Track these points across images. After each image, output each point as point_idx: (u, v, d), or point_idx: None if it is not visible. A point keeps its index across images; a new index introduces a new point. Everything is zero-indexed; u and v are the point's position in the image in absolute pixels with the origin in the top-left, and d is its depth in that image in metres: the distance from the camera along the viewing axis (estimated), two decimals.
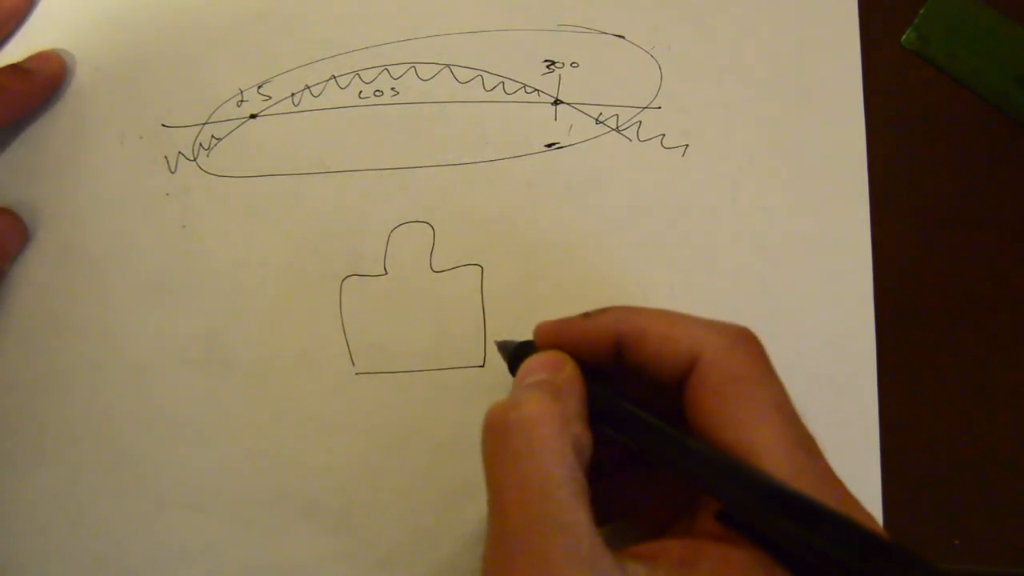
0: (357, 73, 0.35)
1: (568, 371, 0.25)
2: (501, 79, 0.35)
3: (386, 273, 0.34)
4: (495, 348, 0.31)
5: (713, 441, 0.23)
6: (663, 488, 0.27)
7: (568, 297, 0.33)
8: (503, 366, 0.30)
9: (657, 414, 0.24)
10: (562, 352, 0.26)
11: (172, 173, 0.35)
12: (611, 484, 0.27)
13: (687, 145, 0.34)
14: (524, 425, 0.22)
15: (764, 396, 0.23)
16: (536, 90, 0.35)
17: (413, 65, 0.35)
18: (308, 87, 0.36)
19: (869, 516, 0.22)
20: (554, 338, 0.26)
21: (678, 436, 0.23)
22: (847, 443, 0.32)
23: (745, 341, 0.24)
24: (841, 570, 0.19)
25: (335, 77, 0.36)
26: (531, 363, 0.26)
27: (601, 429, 0.24)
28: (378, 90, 0.35)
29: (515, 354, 0.28)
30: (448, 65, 0.35)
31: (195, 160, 0.35)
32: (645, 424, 0.24)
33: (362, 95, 0.35)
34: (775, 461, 0.22)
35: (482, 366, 0.33)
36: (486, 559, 0.22)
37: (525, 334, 0.28)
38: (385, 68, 0.35)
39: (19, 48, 0.37)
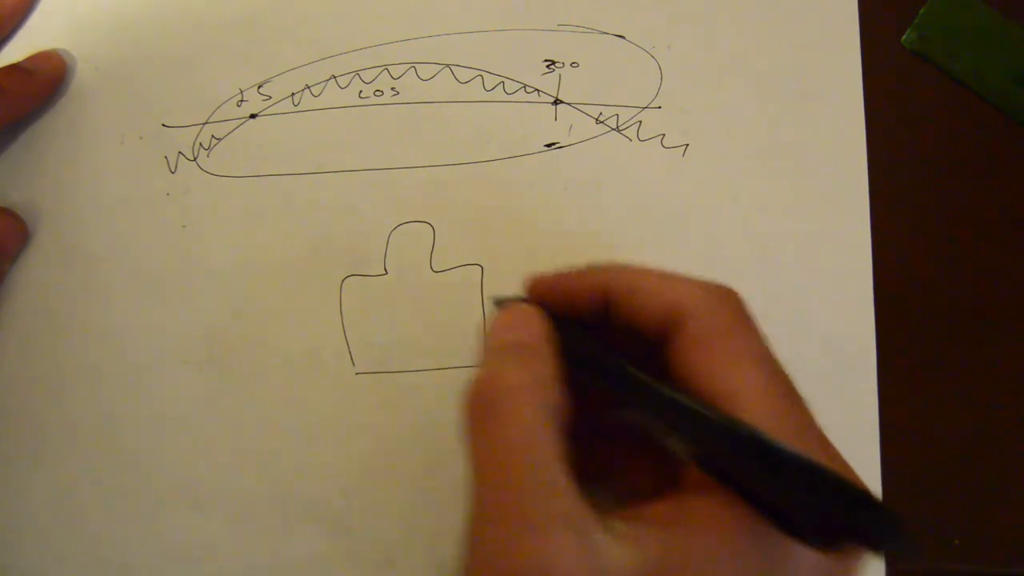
0: (357, 73, 0.36)
1: (536, 328, 0.25)
2: (501, 79, 0.35)
3: (386, 273, 0.34)
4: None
5: (696, 391, 0.23)
6: (650, 453, 0.27)
7: None
8: None
9: (640, 367, 0.24)
10: (533, 309, 0.26)
11: (172, 173, 0.35)
12: (597, 448, 0.27)
13: (687, 145, 0.34)
14: (499, 395, 0.23)
15: (746, 347, 0.24)
16: (536, 90, 0.35)
17: (413, 65, 0.35)
18: (308, 87, 0.36)
19: (847, 466, 0.23)
20: (546, 291, 0.27)
21: (653, 382, 0.23)
22: (847, 443, 0.32)
23: (729, 297, 0.25)
24: (808, 515, 0.19)
25: (335, 77, 0.36)
26: (501, 321, 0.26)
27: (580, 379, 0.25)
28: (378, 90, 0.35)
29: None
30: (448, 65, 0.35)
31: (195, 160, 0.35)
32: (621, 371, 0.24)
33: (362, 95, 0.35)
34: (753, 407, 0.22)
35: None
36: (469, 529, 0.22)
37: None
38: (385, 68, 0.35)
39: (19, 48, 0.37)
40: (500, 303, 0.29)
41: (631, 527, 0.21)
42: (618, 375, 0.24)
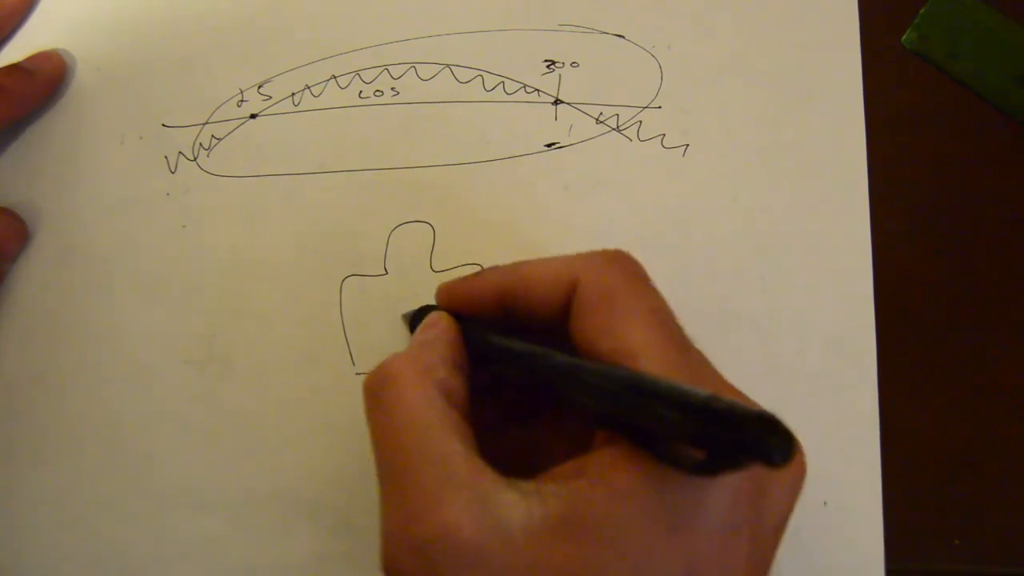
0: (357, 73, 0.36)
1: (441, 326, 0.27)
2: (501, 79, 0.35)
3: (386, 273, 0.34)
4: None
5: (593, 353, 0.23)
6: (569, 433, 0.27)
7: None
8: None
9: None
10: (441, 312, 0.28)
11: (172, 173, 0.35)
12: (520, 436, 0.28)
13: (687, 145, 0.34)
14: (389, 378, 0.24)
15: (637, 304, 0.24)
16: (536, 90, 0.35)
17: (413, 65, 0.35)
18: (308, 87, 0.36)
19: (747, 400, 0.23)
20: (446, 297, 0.28)
21: (544, 352, 0.24)
22: (847, 443, 0.32)
23: (618, 258, 0.25)
24: (696, 442, 0.19)
25: (335, 77, 0.36)
26: (417, 328, 0.28)
27: (486, 368, 0.26)
28: (378, 90, 0.35)
29: (415, 319, 0.30)
30: (448, 65, 0.35)
31: (195, 160, 0.35)
32: (512, 351, 0.25)
33: (362, 95, 0.35)
34: (650, 359, 0.22)
35: None
36: (381, 509, 0.23)
37: None
38: (385, 68, 0.35)
39: (19, 48, 0.37)
40: (406, 316, 0.32)
41: (536, 486, 0.22)
42: (511, 355, 0.25)
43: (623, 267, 0.25)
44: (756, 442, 0.17)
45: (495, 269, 0.27)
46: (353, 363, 0.34)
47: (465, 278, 0.28)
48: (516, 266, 0.27)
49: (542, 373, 0.24)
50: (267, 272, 0.34)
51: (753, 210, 0.34)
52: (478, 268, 0.34)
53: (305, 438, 0.33)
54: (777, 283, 0.33)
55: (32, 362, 0.35)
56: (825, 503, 0.32)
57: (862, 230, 0.33)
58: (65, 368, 0.35)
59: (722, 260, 0.33)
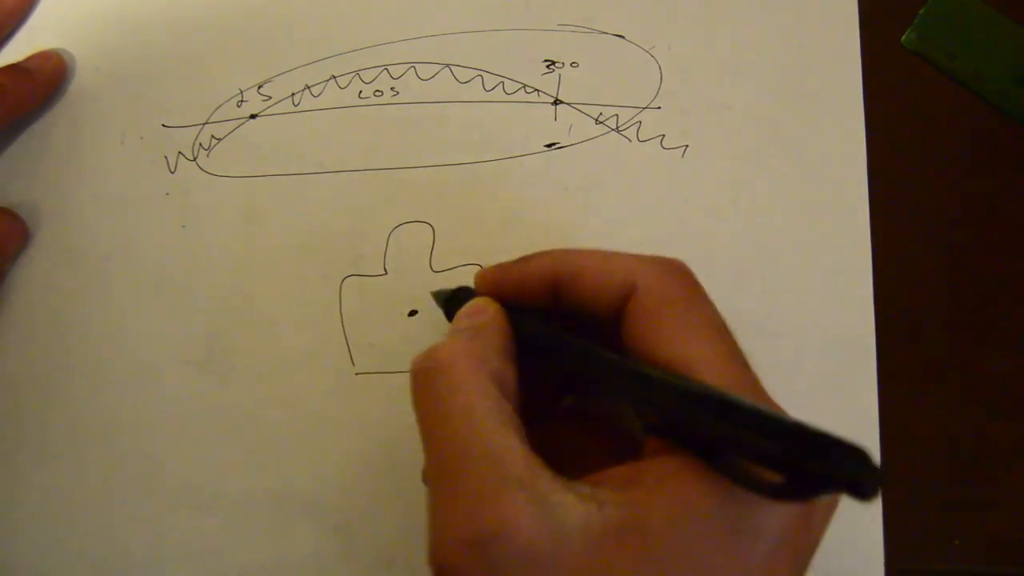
0: (357, 73, 0.36)
1: (490, 313, 0.26)
2: (501, 79, 0.35)
3: (386, 273, 0.34)
4: None
5: (650, 362, 0.23)
6: (613, 436, 0.27)
7: None
8: None
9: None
10: (487, 298, 0.27)
11: (172, 173, 0.35)
12: (563, 434, 0.27)
13: (687, 145, 0.34)
14: (442, 366, 0.23)
15: (698, 316, 0.24)
16: (536, 90, 0.35)
17: (413, 65, 0.35)
18: (308, 87, 0.36)
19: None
20: (492, 284, 0.27)
21: (603, 352, 0.23)
22: None
23: (678, 269, 0.25)
24: (767, 464, 0.19)
25: (335, 77, 0.36)
26: (459, 313, 0.27)
27: (537, 365, 0.25)
28: (378, 90, 0.35)
29: (449, 302, 0.29)
30: (448, 65, 0.35)
31: (195, 160, 0.35)
32: (571, 347, 0.24)
33: (362, 95, 0.35)
34: (712, 374, 0.22)
35: None
36: (429, 503, 0.22)
37: None
38: (385, 68, 0.35)
39: (19, 48, 0.37)
40: (439, 296, 0.30)
41: (592, 489, 0.21)
42: (569, 351, 0.24)
43: (683, 278, 0.25)
44: (847, 472, 0.17)
45: (546, 254, 0.27)
46: (353, 363, 0.34)
47: (514, 262, 0.27)
48: (569, 254, 0.26)
49: (597, 371, 0.23)
50: (267, 272, 0.34)
51: (753, 210, 0.34)
52: (478, 268, 0.34)
53: (305, 438, 0.33)
54: (777, 283, 0.33)
55: (32, 362, 0.35)
56: None
57: (862, 230, 0.33)
58: (65, 368, 0.35)
59: (722, 260, 0.33)
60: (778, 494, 0.19)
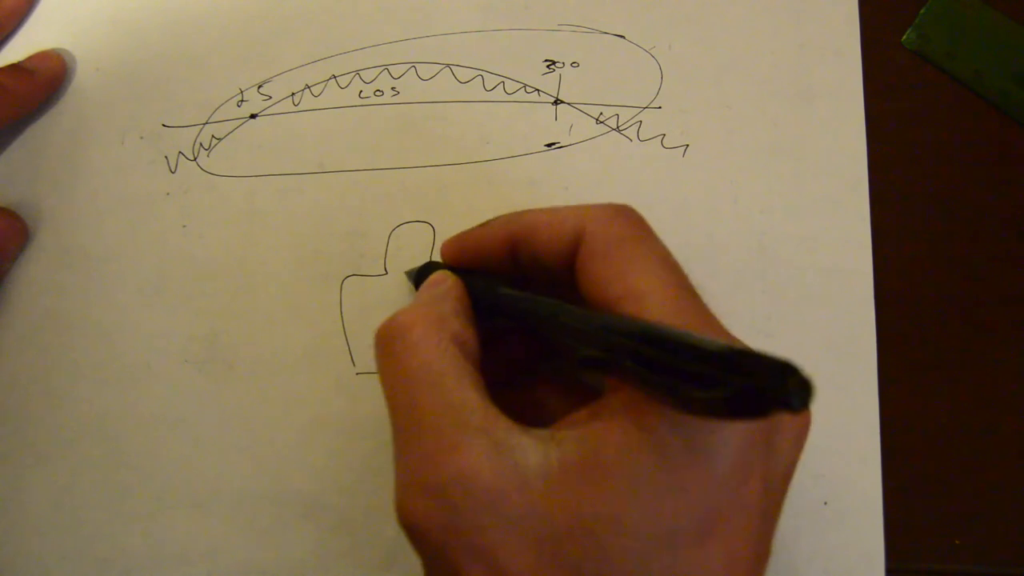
0: (357, 73, 0.36)
1: (449, 283, 0.27)
2: (501, 79, 0.35)
3: (386, 273, 0.34)
4: None
5: (602, 300, 0.24)
6: (571, 391, 0.28)
7: None
8: None
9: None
10: (445, 270, 0.28)
11: (172, 173, 0.35)
12: (537, 396, 0.28)
13: (687, 145, 0.34)
14: (402, 329, 0.24)
15: (645, 251, 0.24)
16: (536, 90, 0.35)
17: (413, 65, 0.35)
18: (308, 87, 0.36)
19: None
20: (456, 250, 0.29)
21: (552, 302, 0.24)
22: (847, 443, 0.32)
23: (624, 211, 0.26)
24: (709, 386, 0.18)
25: (335, 77, 0.36)
26: (422, 286, 0.28)
27: (491, 322, 0.26)
28: (378, 90, 0.35)
29: (419, 277, 0.30)
30: (448, 65, 0.35)
31: (195, 160, 0.35)
32: (523, 301, 0.25)
33: (362, 95, 0.35)
34: (660, 302, 0.23)
35: None
36: (393, 457, 0.23)
37: None
38: (385, 68, 0.35)
39: (19, 48, 0.37)
40: (410, 273, 0.32)
41: (551, 432, 0.22)
42: (519, 305, 0.25)
43: (630, 219, 0.25)
44: (775, 388, 0.17)
45: (502, 216, 0.28)
46: (353, 363, 0.34)
47: (472, 228, 0.28)
48: (521, 214, 0.27)
49: (549, 323, 0.24)
50: (267, 272, 0.34)
51: (753, 210, 0.34)
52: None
53: (305, 438, 0.33)
54: (777, 283, 0.33)
55: (32, 362, 0.35)
56: (825, 503, 0.32)
57: (862, 230, 0.33)
58: (65, 368, 0.35)
59: (722, 260, 0.33)
60: (713, 412, 0.19)
